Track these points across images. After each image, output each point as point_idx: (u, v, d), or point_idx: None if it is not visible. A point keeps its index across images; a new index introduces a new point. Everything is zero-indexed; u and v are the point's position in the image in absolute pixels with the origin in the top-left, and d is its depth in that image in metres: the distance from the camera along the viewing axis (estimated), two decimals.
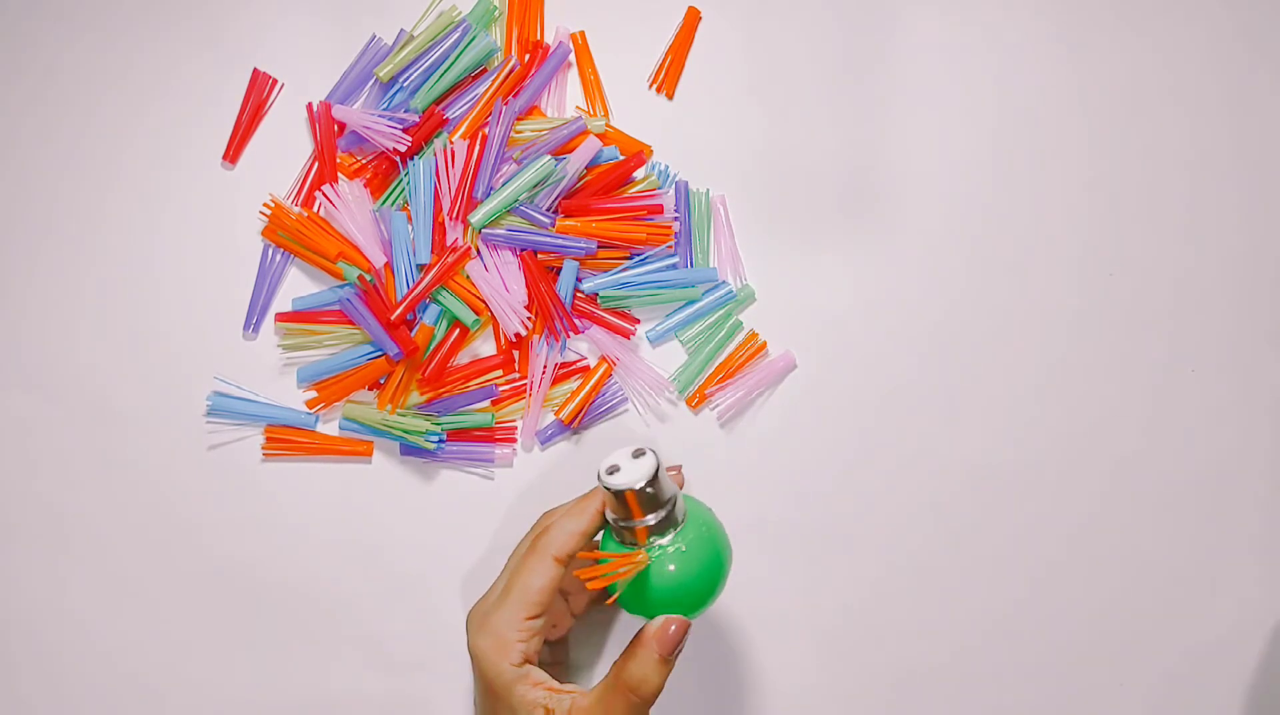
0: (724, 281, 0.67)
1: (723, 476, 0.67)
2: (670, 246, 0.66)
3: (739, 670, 0.67)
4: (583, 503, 0.57)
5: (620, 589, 0.55)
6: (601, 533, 0.57)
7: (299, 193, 0.67)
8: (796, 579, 0.67)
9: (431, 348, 0.66)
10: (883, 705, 0.67)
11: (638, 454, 0.55)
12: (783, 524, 0.67)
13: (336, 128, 0.67)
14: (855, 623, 0.67)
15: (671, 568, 0.55)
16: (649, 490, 0.54)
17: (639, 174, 0.67)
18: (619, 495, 0.54)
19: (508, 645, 0.55)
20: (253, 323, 0.67)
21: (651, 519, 0.54)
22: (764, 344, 0.67)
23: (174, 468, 0.67)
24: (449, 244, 0.65)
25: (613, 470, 0.54)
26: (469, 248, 0.65)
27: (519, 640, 0.55)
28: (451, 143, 0.66)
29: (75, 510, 0.67)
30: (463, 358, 0.67)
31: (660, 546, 0.55)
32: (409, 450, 0.67)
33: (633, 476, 0.54)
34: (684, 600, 0.55)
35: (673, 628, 0.54)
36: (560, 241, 0.65)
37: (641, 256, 0.66)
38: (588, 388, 0.66)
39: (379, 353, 0.65)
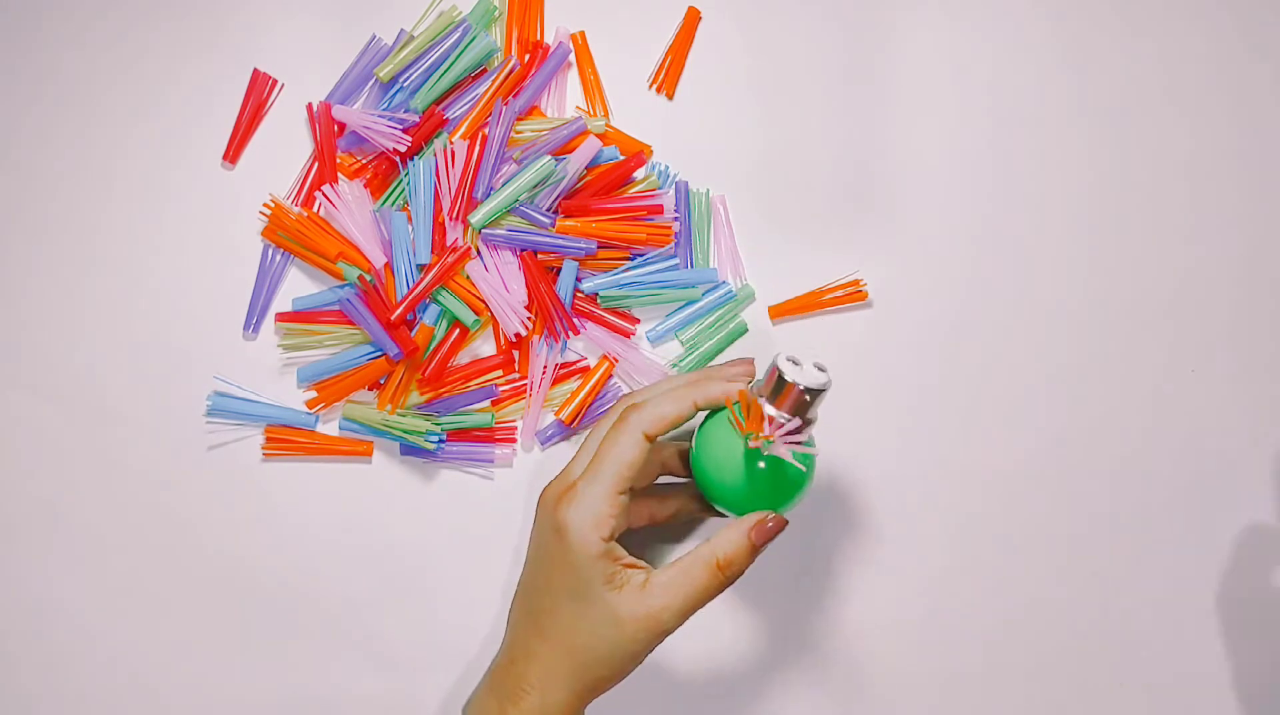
0: (724, 282, 0.67)
1: None
2: (670, 247, 0.66)
3: (750, 669, 0.67)
4: (680, 390, 0.57)
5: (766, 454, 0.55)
6: (696, 434, 0.58)
7: (299, 193, 0.67)
8: (791, 577, 0.67)
9: (431, 348, 0.66)
10: (886, 707, 0.67)
11: (820, 368, 0.56)
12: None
13: (336, 128, 0.67)
14: (852, 624, 0.67)
15: (767, 466, 0.56)
16: (814, 398, 0.55)
17: (639, 174, 0.67)
18: (787, 385, 0.55)
19: (600, 519, 0.56)
20: (253, 323, 0.67)
21: (798, 422, 0.55)
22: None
23: (174, 468, 0.67)
24: (449, 244, 0.65)
25: (793, 361, 0.56)
26: (469, 248, 0.65)
27: (611, 515, 0.56)
28: (451, 143, 0.66)
29: (75, 510, 0.67)
30: (463, 358, 0.67)
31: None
32: (409, 450, 0.67)
33: (814, 379, 0.55)
34: (774, 499, 0.57)
35: (770, 522, 0.56)
36: (560, 241, 0.65)
37: (641, 257, 0.66)
38: (588, 388, 0.66)
39: (379, 353, 0.65)
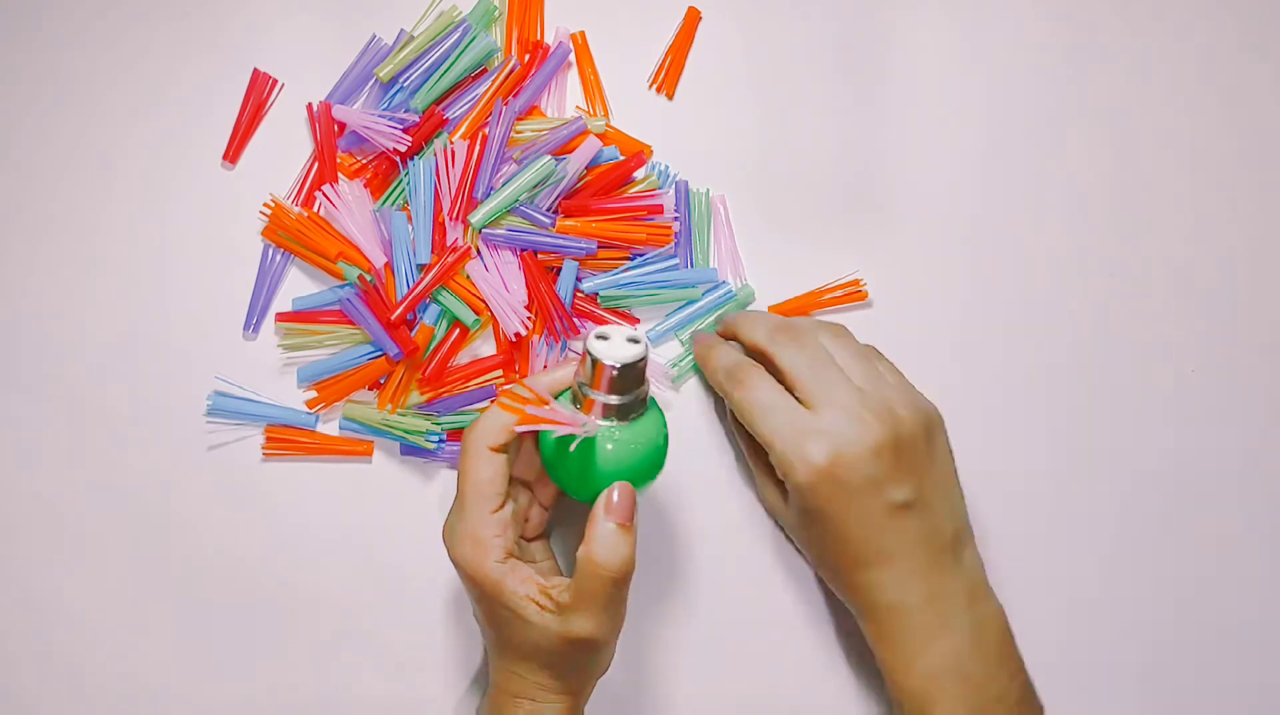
0: (724, 281, 0.67)
1: (722, 473, 0.67)
2: (670, 247, 0.66)
3: (757, 664, 0.67)
4: (505, 397, 0.57)
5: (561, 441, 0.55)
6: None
7: (299, 193, 0.67)
8: (777, 578, 0.67)
9: (431, 348, 0.66)
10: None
11: (633, 340, 0.55)
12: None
13: (336, 128, 0.67)
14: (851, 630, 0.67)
15: (610, 448, 0.55)
16: (621, 373, 0.54)
17: (639, 174, 0.67)
18: (595, 363, 0.54)
19: (484, 544, 0.55)
20: (253, 323, 0.67)
21: (615, 400, 0.55)
22: None
23: (174, 468, 0.67)
24: (449, 244, 0.65)
25: (602, 337, 0.55)
26: (469, 248, 0.65)
27: (494, 535, 0.56)
28: (451, 143, 0.66)
29: (75, 510, 0.67)
30: (463, 358, 0.67)
31: (609, 428, 0.55)
32: (409, 450, 0.67)
33: (619, 354, 0.54)
34: (628, 478, 0.56)
35: (616, 495, 0.55)
36: (560, 241, 0.65)
37: (641, 256, 0.66)
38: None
39: (379, 353, 0.65)
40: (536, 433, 0.58)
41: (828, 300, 0.67)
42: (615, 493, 0.55)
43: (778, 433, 0.58)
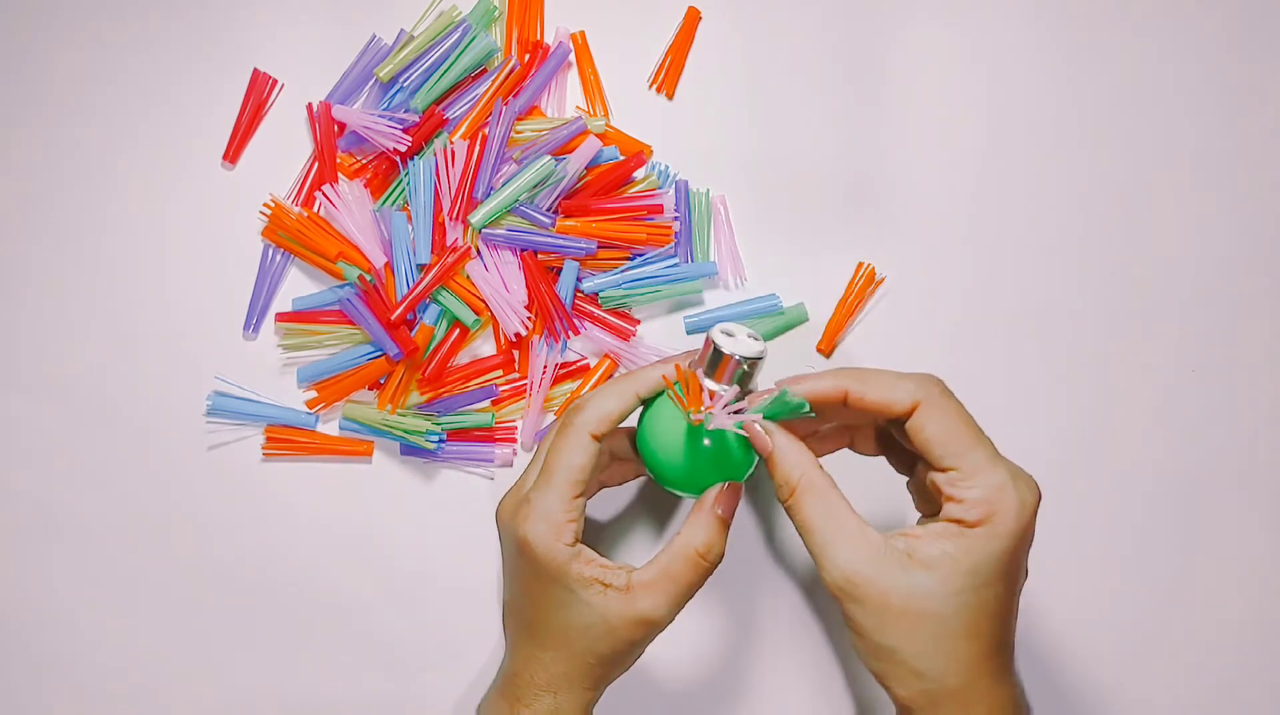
0: (774, 294, 0.67)
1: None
2: (670, 247, 0.66)
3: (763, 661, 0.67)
4: (620, 383, 0.57)
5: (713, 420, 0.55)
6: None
7: (299, 193, 0.67)
8: (783, 584, 0.67)
9: (431, 348, 0.66)
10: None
11: (753, 337, 0.56)
12: (777, 516, 0.67)
13: (336, 128, 0.67)
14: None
15: (728, 441, 0.56)
16: (752, 368, 0.55)
17: (639, 174, 0.67)
18: (721, 356, 0.55)
19: (559, 527, 0.55)
20: (253, 323, 0.67)
21: (736, 391, 0.55)
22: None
23: (174, 468, 0.67)
24: (449, 244, 0.65)
25: (728, 333, 0.56)
26: (469, 248, 0.65)
27: (569, 520, 0.56)
28: (451, 143, 0.66)
29: (75, 510, 0.67)
30: (463, 358, 0.67)
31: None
32: (409, 450, 0.67)
33: (749, 349, 0.55)
34: (723, 474, 0.56)
35: (727, 491, 0.56)
36: (560, 241, 0.65)
37: (641, 256, 0.66)
38: (588, 388, 0.66)
39: (379, 353, 0.65)
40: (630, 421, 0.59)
41: (855, 302, 0.67)
42: (726, 489, 0.56)
43: (981, 481, 0.53)
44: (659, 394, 0.57)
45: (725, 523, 0.56)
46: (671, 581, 0.55)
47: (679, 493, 0.58)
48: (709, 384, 0.56)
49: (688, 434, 0.56)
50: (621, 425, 0.57)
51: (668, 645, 0.67)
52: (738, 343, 0.56)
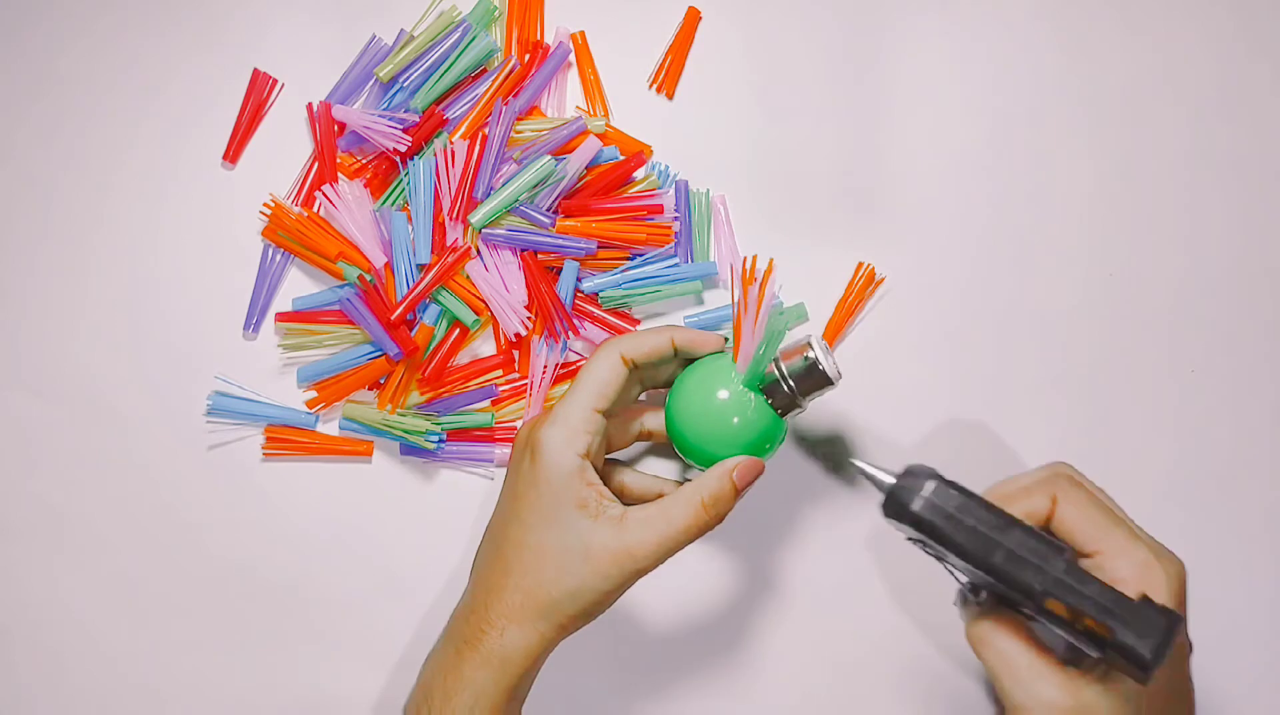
0: (777, 297, 0.67)
1: None
2: (670, 247, 0.66)
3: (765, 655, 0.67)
4: (656, 329, 0.59)
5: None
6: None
7: (299, 193, 0.67)
8: (786, 574, 0.67)
9: (431, 348, 0.66)
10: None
11: (826, 351, 0.58)
12: (779, 516, 0.67)
13: (336, 128, 0.67)
14: (859, 617, 0.67)
15: (764, 419, 0.58)
16: (822, 387, 0.58)
17: (639, 174, 0.67)
18: (813, 365, 0.58)
19: (574, 434, 0.56)
20: (253, 323, 0.67)
21: (796, 388, 0.58)
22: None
23: (174, 468, 0.67)
24: (449, 244, 0.65)
25: (823, 347, 0.59)
26: (469, 248, 0.65)
27: (587, 431, 0.56)
28: (451, 143, 0.66)
29: (75, 510, 0.67)
30: (463, 358, 0.67)
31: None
32: (409, 450, 0.67)
33: (835, 372, 0.58)
34: (750, 450, 0.58)
35: (749, 464, 0.57)
36: (560, 241, 0.65)
37: (641, 256, 0.66)
38: None
39: (379, 353, 0.65)
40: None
41: (854, 301, 0.67)
42: (749, 462, 0.57)
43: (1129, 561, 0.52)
44: (691, 364, 0.59)
45: (737, 490, 0.56)
46: (666, 522, 0.55)
47: (698, 466, 0.59)
48: (778, 369, 0.58)
49: (719, 408, 0.57)
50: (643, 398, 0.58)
51: (668, 645, 0.67)
52: (830, 363, 0.58)
